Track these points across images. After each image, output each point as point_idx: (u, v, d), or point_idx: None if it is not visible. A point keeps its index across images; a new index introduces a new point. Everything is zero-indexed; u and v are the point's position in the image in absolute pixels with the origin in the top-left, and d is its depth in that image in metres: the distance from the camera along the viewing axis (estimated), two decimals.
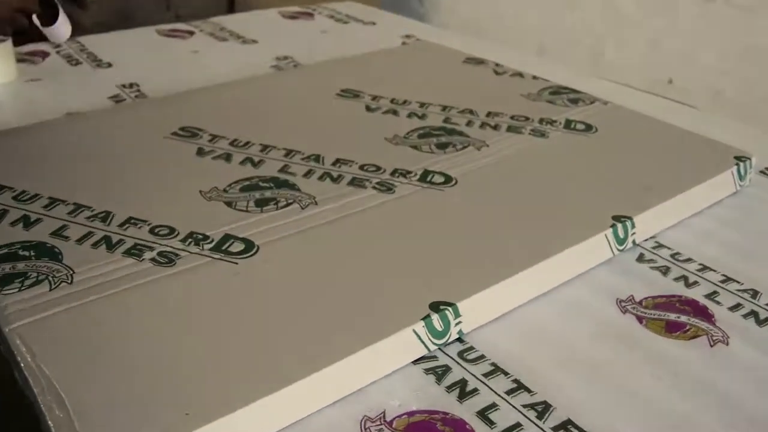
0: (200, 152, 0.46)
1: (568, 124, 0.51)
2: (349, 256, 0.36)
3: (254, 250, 0.37)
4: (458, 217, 0.40)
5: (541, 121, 0.51)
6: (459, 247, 0.37)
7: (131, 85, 0.62)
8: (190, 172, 0.44)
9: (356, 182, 0.43)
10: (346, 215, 0.40)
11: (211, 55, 0.70)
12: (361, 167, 0.45)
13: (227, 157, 0.46)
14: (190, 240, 0.37)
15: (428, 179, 0.43)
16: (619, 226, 0.40)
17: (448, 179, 0.44)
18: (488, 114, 0.52)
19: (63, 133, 0.50)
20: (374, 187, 0.43)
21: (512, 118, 0.52)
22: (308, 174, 0.44)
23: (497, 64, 0.61)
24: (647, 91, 0.64)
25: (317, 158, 0.46)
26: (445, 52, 0.65)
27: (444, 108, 0.53)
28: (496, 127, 0.50)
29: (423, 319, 0.32)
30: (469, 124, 0.51)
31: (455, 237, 0.38)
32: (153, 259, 0.36)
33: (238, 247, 0.37)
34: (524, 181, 0.44)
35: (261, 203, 0.41)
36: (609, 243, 0.40)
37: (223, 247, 0.37)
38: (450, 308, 0.33)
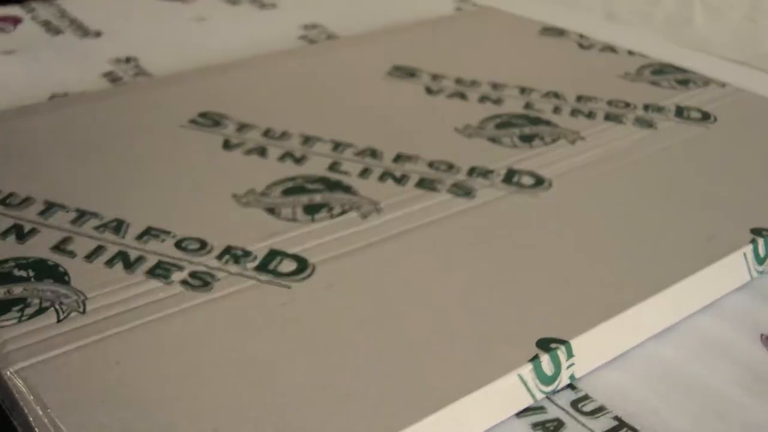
0: (227, 145, 0.46)
1: (680, 112, 0.50)
2: (428, 279, 0.36)
3: (309, 271, 0.36)
4: (558, 228, 0.39)
5: (646, 107, 0.50)
6: (563, 268, 0.36)
7: (128, 60, 0.61)
8: (217, 170, 0.43)
9: (426, 184, 0.42)
10: (417, 226, 0.39)
11: (222, 23, 0.69)
12: (430, 165, 0.44)
13: (262, 152, 0.45)
14: (227, 257, 0.36)
15: (515, 180, 0.43)
16: (760, 241, 0.39)
17: (539, 181, 0.43)
18: (579, 98, 0.51)
19: (51, 120, 0.49)
20: (449, 191, 0.42)
21: (609, 103, 0.51)
22: (364, 173, 0.43)
23: (581, 36, 0.61)
24: (757, 67, 0.63)
25: (373, 153, 0.45)
26: (516, 20, 0.65)
27: (523, 90, 0.52)
28: (590, 115, 0.49)
29: (531, 360, 0.31)
30: (556, 110, 0.50)
31: (557, 255, 0.37)
32: (184, 282, 0.35)
33: (288, 266, 0.36)
34: (636, 184, 0.43)
35: (311, 210, 0.40)
36: (747, 263, 0.39)
37: (270, 267, 0.36)
38: (562, 346, 0.32)
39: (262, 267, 0.36)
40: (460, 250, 0.38)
